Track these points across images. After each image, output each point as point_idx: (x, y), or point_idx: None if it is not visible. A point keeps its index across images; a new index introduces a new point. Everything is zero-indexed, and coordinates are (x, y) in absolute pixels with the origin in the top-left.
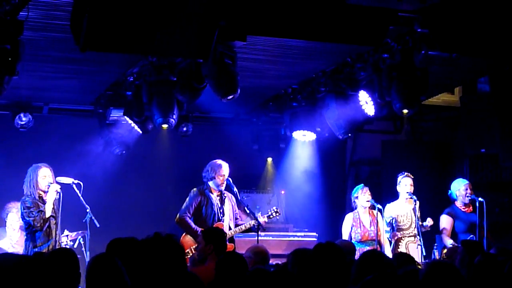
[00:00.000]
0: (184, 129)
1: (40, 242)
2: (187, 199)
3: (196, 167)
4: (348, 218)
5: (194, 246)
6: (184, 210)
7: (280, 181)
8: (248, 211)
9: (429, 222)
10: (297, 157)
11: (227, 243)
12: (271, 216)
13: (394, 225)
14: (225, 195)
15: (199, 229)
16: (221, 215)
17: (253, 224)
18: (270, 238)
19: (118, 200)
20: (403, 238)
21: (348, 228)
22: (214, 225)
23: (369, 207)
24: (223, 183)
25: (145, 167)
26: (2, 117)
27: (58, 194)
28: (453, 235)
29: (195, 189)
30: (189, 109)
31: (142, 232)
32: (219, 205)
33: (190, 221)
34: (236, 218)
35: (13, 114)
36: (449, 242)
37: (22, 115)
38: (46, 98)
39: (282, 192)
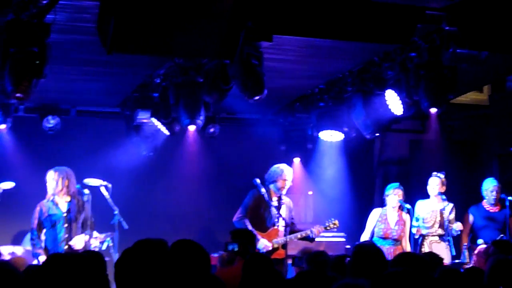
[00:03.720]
0: (211, 130)
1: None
2: (246, 198)
3: (223, 168)
4: (375, 213)
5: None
6: (242, 210)
7: (308, 182)
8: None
9: (457, 226)
10: (324, 157)
11: (280, 249)
12: (328, 227)
13: (419, 221)
14: (283, 200)
15: (256, 232)
16: (277, 220)
17: (309, 234)
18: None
19: (146, 201)
20: (426, 237)
21: (373, 222)
22: (269, 231)
23: (398, 207)
24: (284, 188)
25: (172, 168)
26: (30, 120)
27: (87, 196)
28: (473, 232)
29: (254, 189)
30: (215, 110)
31: (170, 234)
32: (276, 210)
33: (248, 223)
34: (293, 224)
35: (41, 116)
36: (465, 239)
37: (50, 117)
38: (74, 100)
39: (310, 193)
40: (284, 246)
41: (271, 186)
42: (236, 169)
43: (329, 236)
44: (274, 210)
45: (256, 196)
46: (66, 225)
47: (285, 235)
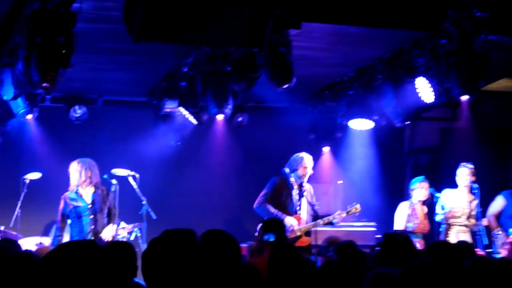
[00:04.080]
0: (239, 119)
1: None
2: (267, 185)
3: (251, 157)
4: (404, 207)
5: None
6: (263, 196)
7: (337, 171)
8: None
9: (483, 222)
10: (354, 146)
11: (303, 236)
12: (350, 213)
13: (445, 210)
14: (304, 188)
15: (279, 213)
16: (299, 207)
17: (332, 220)
18: (328, 228)
19: (174, 191)
20: (452, 226)
21: (403, 217)
22: (293, 217)
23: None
24: (305, 176)
25: (200, 158)
26: (57, 110)
27: (114, 186)
28: (505, 218)
29: (276, 177)
30: (244, 99)
31: (198, 224)
32: (298, 198)
33: (269, 206)
34: (315, 211)
35: (68, 106)
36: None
37: (76, 107)
38: (100, 90)
39: (340, 182)
40: (308, 233)
41: (292, 175)
42: (264, 159)
43: (359, 226)
44: (296, 197)
45: (278, 183)
46: (91, 216)
47: (307, 223)
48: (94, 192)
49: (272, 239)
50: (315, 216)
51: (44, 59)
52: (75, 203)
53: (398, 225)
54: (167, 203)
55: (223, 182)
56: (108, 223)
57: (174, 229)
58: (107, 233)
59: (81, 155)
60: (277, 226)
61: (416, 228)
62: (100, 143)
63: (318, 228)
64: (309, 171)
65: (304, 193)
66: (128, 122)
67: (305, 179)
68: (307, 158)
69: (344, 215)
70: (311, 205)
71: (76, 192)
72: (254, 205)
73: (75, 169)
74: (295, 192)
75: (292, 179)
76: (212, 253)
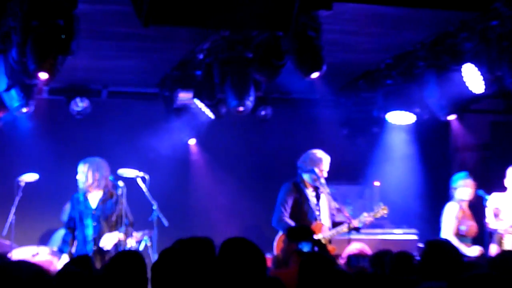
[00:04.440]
0: (263, 112)
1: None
2: (280, 195)
3: (276, 156)
4: (453, 208)
5: None
6: (279, 209)
7: (374, 171)
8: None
9: None
10: (392, 142)
11: (328, 245)
12: (378, 215)
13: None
14: (321, 190)
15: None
16: (318, 213)
17: (358, 225)
18: (362, 236)
19: (188, 195)
20: (505, 234)
21: (453, 219)
22: (313, 225)
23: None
24: (321, 178)
25: (218, 157)
26: (56, 103)
27: (121, 189)
28: None
29: (287, 183)
30: (267, 89)
31: (216, 231)
32: (315, 202)
33: (289, 220)
34: (333, 215)
35: (68, 99)
36: None
37: (78, 100)
38: (105, 80)
39: (376, 183)
40: (330, 241)
41: (306, 176)
42: (291, 158)
43: (398, 233)
44: (313, 201)
45: (291, 189)
46: (94, 223)
47: (330, 229)
48: (102, 197)
49: (306, 248)
50: (335, 222)
51: (41, 45)
52: (80, 207)
53: (447, 228)
54: (181, 208)
55: (244, 185)
56: (116, 231)
57: (189, 238)
58: (106, 241)
59: (82, 154)
60: (305, 233)
61: (469, 231)
62: (104, 140)
63: (353, 236)
64: (326, 170)
65: (322, 196)
66: (136, 116)
67: (320, 182)
68: (326, 159)
69: (370, 218)
70: (331, 209)
71: (84, 194)
72: (273, 222)
73: (81, 170)
74: (311, 196)
75: (306, 181)
76: (233, 265)
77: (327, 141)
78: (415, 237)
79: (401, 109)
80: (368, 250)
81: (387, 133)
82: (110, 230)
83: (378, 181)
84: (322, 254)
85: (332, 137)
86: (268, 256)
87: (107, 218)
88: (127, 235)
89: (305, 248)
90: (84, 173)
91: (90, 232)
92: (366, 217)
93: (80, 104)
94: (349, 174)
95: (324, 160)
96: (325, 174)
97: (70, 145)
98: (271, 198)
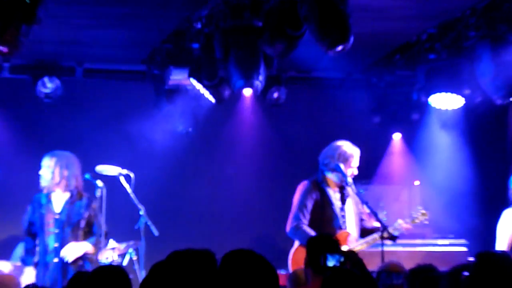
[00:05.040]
0: (275, 95)
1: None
2: (297, 196)
3: (292, 149)
4: (510, 216)
5: None
6: (296, 214)
7: (413, 168)
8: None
9: None
10: (436, 132)
11: None
12: (416, 221)
13: None
14: (347, 191)
15: None
16: (343, 219)
17: (393, 233)
18: (399, 248)
19: (184, 197)
20: None
21: (510, 228)
22: (337, 234)
23: None
24: (350, 176)
25: (220, 150)
26: (20, 83)
27: (100, 190)
28: None
29: (306, 182)
30: (281, 67)
31: (218, 242)
32: (340, 206)
33: (308, 228)
34: (361, 221)
35: (34, 78)
36: None
37: (46, 79)
38: (80, 55)
39: (417, 183)
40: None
41: (330, 174)
42: (310, 151)
43: (444, 245)
44: (338, 205)
45: (310, 189)
46: (57, 230)
47: (358, 239)
48: (69, 199)
49: (331, 262)
50: (364, 230)
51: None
52: (42, 211)
53: (504, 239)
54: (174, 214)
55: (251, 184)
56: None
57: (184, 250)
58: (68, 251)
59: (52, 146)
60: (328, 244)
61: None
62: (79, 129)
63: (387, 249)
64: (354, 172)
65: (348, 199)
66: (118, 100)
67: (347, 181)
68: (355, 152)
69: (408, 226)
70: (358, 214)
71: (47, 196)
72: (287, 229)
73: (47, 165)
74: (335, 198)
75: (329, 180)
76: (238, 283)
77: (355, 131)
78: (464, 249)
79: (447, 91)
80: (403, 265)
81: (430, 120)
82: (77, 240)
83: (418, 180)
84: (351, 271)
85: (361, 126)
86: (282, 273)
87: (73, 224)
88: (98, 247)
89: (330, 262)
90: (50, 169)
91: (51, 240)
92: (403, 225)
93: (48, 85)
94: (382, 171)
95: (354, 154)
96: (355, 172)
97: (36, 135)
98: (285, 201)
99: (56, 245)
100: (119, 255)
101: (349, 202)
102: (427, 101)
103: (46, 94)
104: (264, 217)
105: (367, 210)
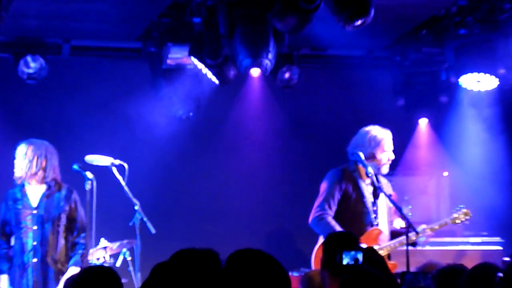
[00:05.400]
0: (286, 75)
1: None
2: (324, 184)
3: (306, 134)
4: None
5: None
6: (321, 203)
7: (441, 156)
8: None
9: None
10: (467, 116)
11: (388, 260)
12: (458, 221)
13: None
14: (380, 183)
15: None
16: (375, 216)
17: (428, 231)
18: (427, 247)
19: (184, 190)
20: None
21: None
22: (366, 233)
23: None
24: (385, 165)
25: (224, 137)
26: (0, 63)
27: (89, 182)
28: None
29: (335, 169)
30: (293, 43)
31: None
32: (372, 200)
33: (333, 221)
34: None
35: (16, 57)
36: None
37: (29, 58)
38: (67, 31)
39: (445, 173)
40: (390, 255)
41: (360, 164)
42: (326, 138)
43: (477, 243)
44: (370, 199)
45: (341, 178)
46: (35, 226)
47: (389, 238)
48: (47, 190)
49: (347, 259)
50: (393, 232)
51: None
52: (17, 205)
53: None
54: (174, 209)
55: (259, 175)
56: (70, 241)
57: (186, 249)
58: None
59: (36, 134)
60: (348, 242)
61: None
62: (66, 114)
63: (415, 248)
64: (390, 157)
65: (381, 194)
66: (110, 81)
67: (384, 169)
68: (388, 137)
69: (447, 223)
70: (389, 212)
71: (21, 189)
72: (310, 219)
73: (22, 154)
74: (367, 191)
75: (361, 171)
76: (245, 285)
77: (376, 116)
78: (498, 247)
79: (479, 71)
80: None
81: (460, 104)
82: (58, 237)
83: (447, 171)
84: (372, 272)
85: (383, 110)
86: (295, 275)
87: (53, 219)
88: (86, 254)
89: (345, 259)
90: (26, 158)
91: (29, 238)
92: (427, 230)
93: (32, 65)
94: (407, 161)
95: (385, 137)
96: (392, 156)
97: (17, 120)
98: (299, 195)
99: (35, 243)
100: (111, 256)
101: (382, 197)
102: (457, 82)
103: (29, 75)
104: (275, 213)
105: (390, 205)
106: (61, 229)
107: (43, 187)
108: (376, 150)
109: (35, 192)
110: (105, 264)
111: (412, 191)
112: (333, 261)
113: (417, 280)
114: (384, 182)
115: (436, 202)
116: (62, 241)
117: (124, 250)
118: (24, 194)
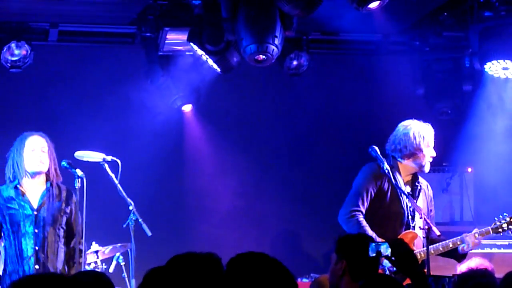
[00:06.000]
0: (295, 62)
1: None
2: (358, 180)
3: (316, 127)
4: None
5: None
6: (354, 199)
7: (466, 151)
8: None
9: None
10: (494, 107)
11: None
12: (500, 230)
13: None
14: (420, 184)
15: (377, 238)
16: (412, 219)
17: (459, 245)
18: None
19: (182, 189)
20: None
21: None
22: (402, 234)
23: None
24: (426, 164)
25: (226, 130)
26: None
27: (79, 181)
28: None
29: (372, 163)
30: (302, 27)
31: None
32: (411, 201)
33: (363, 221)
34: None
35: None
36: None
37: (13, 45)
38: (54, 15)
39: (469, 170)
40: (424, 263)
41: (404, 161)
42: (339, 131)
43: (504, 246)
44: (406, 200)
45: (376, 175)
46: (36, 230)
47: (424, 245)
48: (46, 190)
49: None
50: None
51: None
52: (12, 206)
53: None
54: (171, 210)
55: (266, 171)
56: (69, 247)
57: (185, 254)
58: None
59: (21, 127)
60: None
61: None
62: (54, 105)
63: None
64: (432, 154)
65: (421, 195)
66: (102, 69)
67: (427, 167)
68: (429, 134)
69: (485, 234)
70: (429, 215)
71: (16, 187)
72: (339, 215)
73: (41, 147)
74: (405, 191)
75: (402, 168)
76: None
77: (394, 106)
78: None
79: (506, 57)
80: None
81: (485, 93)
82: (59, 242)
83: (472, 167)
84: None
85: (402, 100)
86: (304, 281)
87: (55, 222)
88: (85, 249)
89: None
90: (45, 152)
91: (29, 243)
92: (477, 235)
93: (16, 52)
94: None
95: (428, 137)
96: (434, 154)
97: (1, 112)
98: (308, 192)
99: (37, 248)
100: (103, 261)
101: (421, 198)
102: (481, 69)
103: (13, 63)
104: (284, 214)
105: (409, 203)
106: (61, 232)
107: (43, 187)
108: (419, 147)
109: (34, 192)
110: (98, 269)
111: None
112: (356, 267)
113: (440, 284)
114: (423, 183)
115: (459, 201)
116: (62, 247)
117: (118, 254)
118: (20, 193)
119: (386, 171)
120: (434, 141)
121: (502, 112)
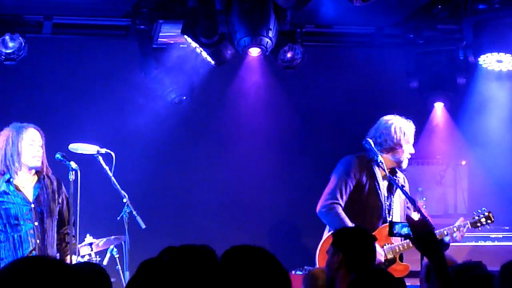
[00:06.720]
0: (288, 55)
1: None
2: (335, 172)
3: (310, 121)
4: None
5: None
6: (333, 191)
7: (459, 144)
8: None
9: None
10: (487, 100)
11: (398, 262)
12: (479, 224)
13: None
14: (398, 178)
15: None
16: (389, 212)
17: (443, 237)
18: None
19: (177, 182)
20: None
21: None
22: (378, 230)
23: None
24: (405, 160)
25: (221, 123)
26: None
27: (73, 173)
28: None
29: (351, 156)
30: (296, 20)
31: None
32: (386, 195)
33: (342, 213)
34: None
35: None
36: None
37: (7, 37)
38: (48, 7)
39: (463, 162)
40: (402, 256)
41: (383, 155)
42: (333, 123)
43: (497, 238)
44: (384, 194)
45: (356, 165)
46: (36, 223)
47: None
48: (38, 182)
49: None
50: None
51: None
52: (6, 199)
53: None
54: (165, 202)
55: (259, 165)
56: (60, 234)
57: (180, 247)
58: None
59: (14, 118)
60: (364, 239)
61: None
62: (48, 98)
63: None
64: (410, 151)
65: (397, 189)
66: (96, 62)
67: (405, 163)
68: (404, 126)
69: (466, 227)
70: (406, 208)
71: (10, 182)
72: (317, 208)
73: (38, 140)
74: (383, 185)
75: (379, 162)
76: (241, 285)
77: (388, 99)
78: None
79: (500, 50)
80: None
81: (480, 86)
82: (54, 233)
83: (465, 160)
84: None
85: (396, 93)
86: (298, 274)
87: (51, 213)
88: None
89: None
90: (40, 145)
91: (28, 237)
92: (459, 228)
93: (10, 44)
94: (421, 148)
95: (409, 133)
96: (412, 151)
97: None
98: (301, 185)
99: (38, 241)
100: (97, 253)
101: (398, 194)
102: (476, 61)
103: (7, 55)
104: (277, 207)
105: (405, 201)
106: (55, 224)
107: (34, 178)
108: (399, 142)
109: (27, 184)
110: (92, 261)
111: (426, 182)
112: (352, 259)
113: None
114: (401, 177)
115: (453, 194)
116: (55, 236)
117: (112, 247)
118: (15, 188)
119: (381, 163)
120: (429, 134)
121: (496, 105)
